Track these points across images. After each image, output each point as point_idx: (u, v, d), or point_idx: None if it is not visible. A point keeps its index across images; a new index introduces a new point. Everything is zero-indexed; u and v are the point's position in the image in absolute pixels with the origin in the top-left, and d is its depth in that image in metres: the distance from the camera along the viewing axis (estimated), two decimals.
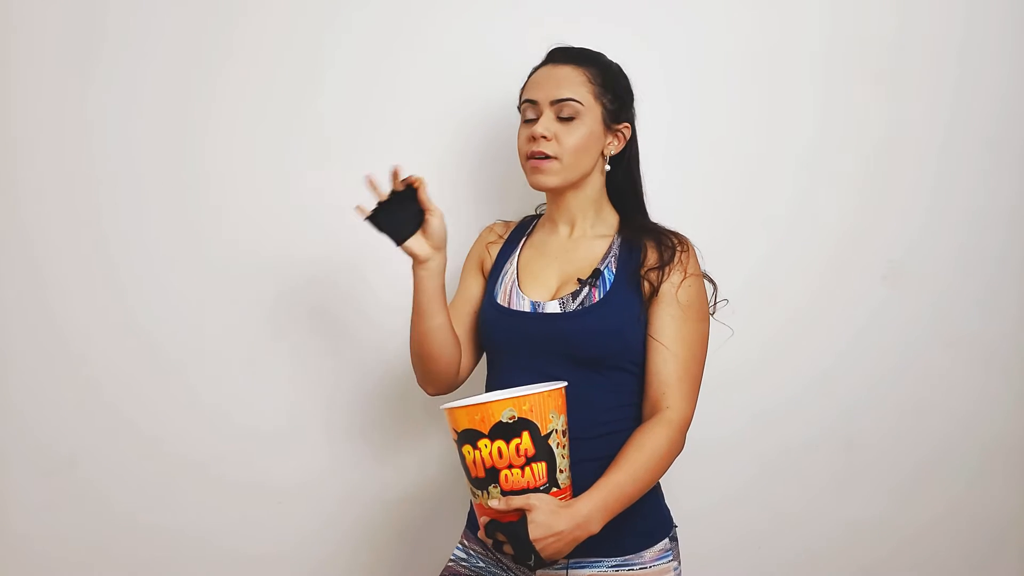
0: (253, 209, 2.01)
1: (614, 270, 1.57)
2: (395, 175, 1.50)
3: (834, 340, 2.07)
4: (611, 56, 1.66)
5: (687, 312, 1.54)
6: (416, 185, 1.50)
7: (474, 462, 1.38)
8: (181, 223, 2.02)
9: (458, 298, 1.73)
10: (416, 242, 1.53)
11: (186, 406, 2.05)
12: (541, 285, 1.61)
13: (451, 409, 1.39)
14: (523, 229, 1.75)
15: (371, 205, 1.53)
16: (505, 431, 1.35)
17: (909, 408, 2.09)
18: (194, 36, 1.99)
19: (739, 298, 1.82)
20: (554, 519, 1.36)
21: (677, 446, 1.50)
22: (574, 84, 1.58)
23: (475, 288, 1.71)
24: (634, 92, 1.67)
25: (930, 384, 2.09)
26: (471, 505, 1.65)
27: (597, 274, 1.56)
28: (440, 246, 1.54)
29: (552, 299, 1.58)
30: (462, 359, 1.66)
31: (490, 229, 1.78)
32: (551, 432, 1.38)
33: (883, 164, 2.05)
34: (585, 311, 1.54)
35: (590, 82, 1.59)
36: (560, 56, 1.62)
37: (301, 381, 2.05)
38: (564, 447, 1.41)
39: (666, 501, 1.64)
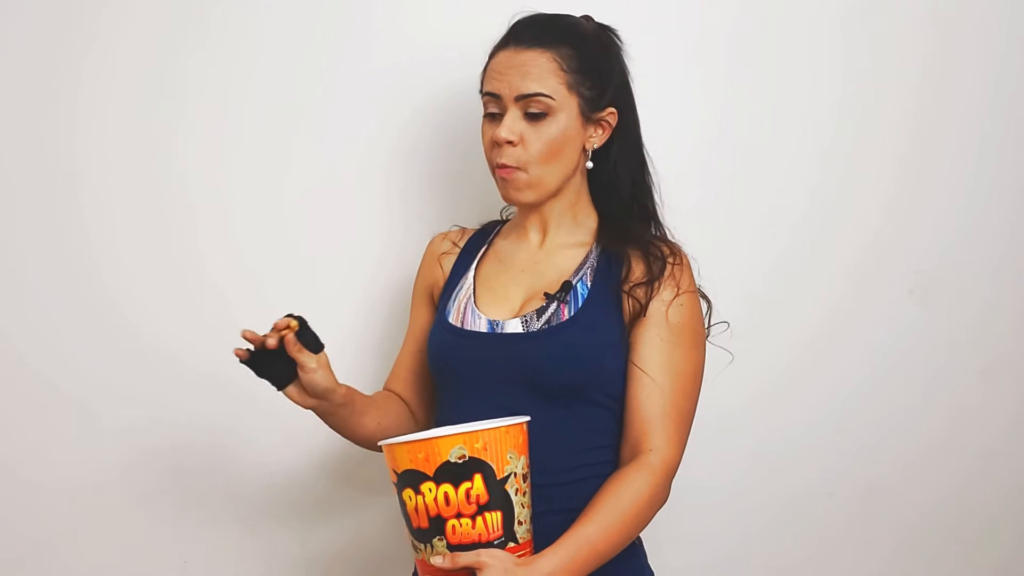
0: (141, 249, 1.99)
1: (589, 283, 1.56)
2: (275, 328, 1.48)
3: (850, 368, 2.06)
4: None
5: (678, 336, 1.52)
6: (284, 335, 1.47)
7: (416, 510, 1.36)
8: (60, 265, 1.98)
9: (410, 336, 1.74)
10: (294, 391, 1.52)
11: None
12: (502, 301, 1.60)
13: (390, 446, 1.37)
14: (484, 236, 1.73)
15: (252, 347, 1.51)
16: (453, 473, 1.34)
17: (938, 448, 2.08)
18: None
19: (736, 318, 1.81)
20: None
21: (660, 495, 1.48)
22: (543, 74, 1.53)
23: (428, 320, 1.71)
24: (623, 61, 1.62)
25: (964, 419, 2.08)
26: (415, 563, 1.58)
27: (567, 287, 1.55)
28: (323, 395, 1.52)
29: (513, 317, 1.56)
30: (418, 414, 1.71)
31: (443, 237, 1.76)
32: (509, 476, 1.36)
33: (912, 160, 2.04)
34: (551, 331, 1.52)
35: (562, 69, 1.54)
36: (524, 34, 1.57)
37: (194, 405, 1.99)
38: (524, 494, 1.39)
39: (649, 560, 1.62)
